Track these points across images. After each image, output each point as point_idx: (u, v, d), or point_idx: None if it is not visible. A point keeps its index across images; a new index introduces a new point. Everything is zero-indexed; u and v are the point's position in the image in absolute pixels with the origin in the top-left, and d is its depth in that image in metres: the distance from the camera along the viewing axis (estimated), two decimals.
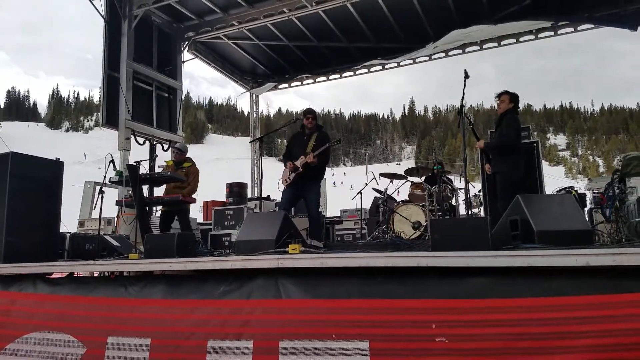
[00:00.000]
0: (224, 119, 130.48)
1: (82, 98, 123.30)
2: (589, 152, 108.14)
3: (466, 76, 4.02)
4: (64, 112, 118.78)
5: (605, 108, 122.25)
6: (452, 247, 2.86)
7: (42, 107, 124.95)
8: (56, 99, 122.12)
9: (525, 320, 2.35)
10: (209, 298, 3.08)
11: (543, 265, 2.53)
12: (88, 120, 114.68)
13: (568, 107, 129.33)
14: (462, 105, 3.96)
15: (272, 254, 3.46)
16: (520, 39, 8.99)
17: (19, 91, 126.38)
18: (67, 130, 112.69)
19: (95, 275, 4.47)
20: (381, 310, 2.58)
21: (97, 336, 3.00)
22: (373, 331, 2.53)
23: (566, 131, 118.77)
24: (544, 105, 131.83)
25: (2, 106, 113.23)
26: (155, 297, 3.21)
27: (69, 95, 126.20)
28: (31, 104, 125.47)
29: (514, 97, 5.15)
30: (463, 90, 3.95)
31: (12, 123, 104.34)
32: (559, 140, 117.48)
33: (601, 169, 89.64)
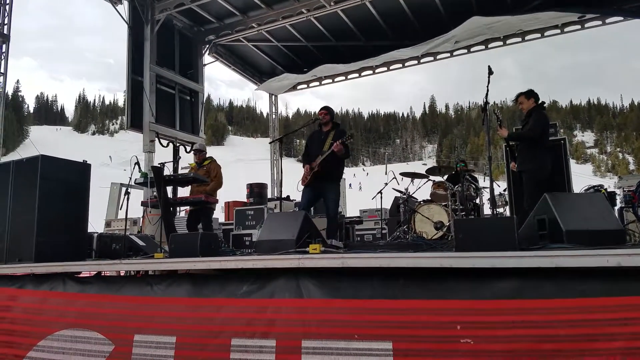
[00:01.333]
0: (244, 121, 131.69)
1: (107, 102, 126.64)
2: (618, 149, 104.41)
3: (490, 72, 3.94)
4: (90, 116, 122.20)
5: (635, 103, 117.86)
6: (476, 247, 2.80)
7: (69, 112, 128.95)
8: (82, 103, 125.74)
9: (553, 322, 2.29)
10: (233, 297, 3.11)
11: (572, 266, 2.45)
12: (113, 124, 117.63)
13: (595, 102, 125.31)
14: (486, 102, 3.87)
15: (293, 253, 3.47)
16: (545, 34, 8.76)
17: (47, 96, 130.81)
18: (93, 134, 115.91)
19: (122, 274, 4.59)
20: (404, 311, 2.55)
21: (125, 334, 3.07)
22: (396, 332, 2.51)
23: (594, 128, 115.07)
24: (570, 101, 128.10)
25: (32, 111, 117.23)
26: (180, 296, 3.26)
27: (94, 100, 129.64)
28: (59, 109, 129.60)
29: (529, 94, 5.05)
30: (487, 86, 3.86)
31: (41, 127, 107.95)
32: (587, 137, 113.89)
33: (631, 167, 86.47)
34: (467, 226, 3.04)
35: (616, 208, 6.05)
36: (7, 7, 6.41)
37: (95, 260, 4.84)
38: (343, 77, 11.03)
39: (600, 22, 8.22)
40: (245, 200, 9.10)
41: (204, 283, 3.50)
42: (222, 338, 2.82)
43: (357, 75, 10.87)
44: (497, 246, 2.75)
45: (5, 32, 6.34)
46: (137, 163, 5.40)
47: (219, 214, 9.37)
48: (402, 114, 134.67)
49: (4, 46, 6.52)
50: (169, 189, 6.35)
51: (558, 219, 2.87)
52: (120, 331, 3.10)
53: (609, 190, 6.21)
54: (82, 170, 5.11)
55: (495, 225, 2.93)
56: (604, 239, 2.72)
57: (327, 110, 5.30)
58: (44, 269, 4.21)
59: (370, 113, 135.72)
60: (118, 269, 4.25)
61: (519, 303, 2.38)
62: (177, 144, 9.13)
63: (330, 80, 11.21)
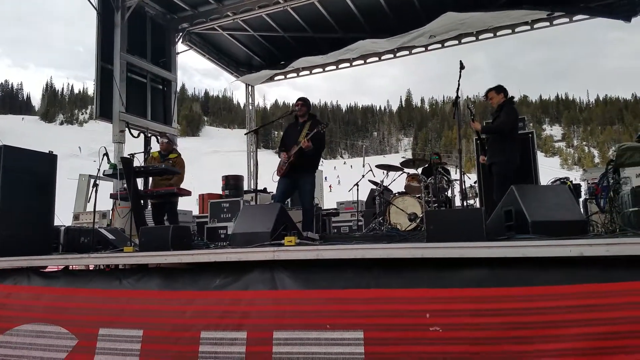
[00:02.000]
0: (220, 112, 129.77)
1: (76, 91, 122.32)
2: (584, 142, 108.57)
3: (461, 67, 4.01)
4: (58, 105, 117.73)
5: (601, 99, 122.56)
6: (447, 238, 2.87)
7: (36, 100, 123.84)
8: (50, 92, 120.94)
9: (518, 310, 2.37)
10: (205, 290, 3.08)
11: (537, 256, 2.55)
12: (82, 114, 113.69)
13: (563, 97, 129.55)
14: (457, 97, 3.95)
15: (268, 246, 3.46)
16: (516, 30, 8.96)
17: (12, 84, 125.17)
18: (61, 124, 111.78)
19: (91, 268, 4.47)
20: (376, 300, 2.59)
21: (89, 328, 3.01)
22: (367, 321, 2.55)
23: (562, 122, 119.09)
24: (540, 96, 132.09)
25: None
26: (150, 289, 3.21)
27: (63, 88, 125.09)
28: (24, 97, 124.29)
29: (499, 89, 5.20)
30: (459, 81, 3.93)
31: (6, 116, 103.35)
32: (555, 131, 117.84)
33: (596, 160, 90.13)
34: (438, 218, 3.11)
35: (581, 200, 6.29)
36: None
37: (61, 255, 4.69)
38: (320, 69, 10.98)
39: (567, 20, 8.47)
40: (220, 192, 8.99)
41: (175, 277, 3.44)
42: (192, 331, 2.80)
43: (334, 67, 10.84)
44: (466, 237, 2.83)
45: None
46: (106, 154, 5.25)
47: (192, 206, 9.25)
48: (380, 107, 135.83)
49: None
50: (140, 181, 6.21)
51: (524, 210, 2.97)
52: (84, 325, 3.04)
53: (574, 182, 6.44)
54: (48, 161, 4.94)
55: (464, 217, 3.01)
56: (568, 230, 2.83)
57: (303, 101, 5.29)
58: (7, 264, 4.06)
59: (348, 106, 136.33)
60: (86, 263, 4.14)
61: (485, 291, 2.45)
62: (149, 135, 8.90)
63: (308, 72, 11.14)
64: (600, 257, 2.45)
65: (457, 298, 2.44)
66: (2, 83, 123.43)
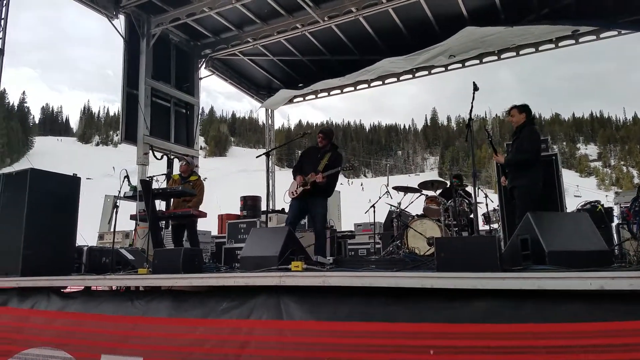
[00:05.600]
0: (246, 132, 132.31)
1: (111, 113, 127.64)
2: (622, 162, 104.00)
3: (475, 88, 3.90)
4: (95, 127, 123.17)
5: (639, 116, 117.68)
6: (459, 267, 2.74)
7: (73, 122, 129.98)
8: (87, 114, 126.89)
9: (533, 348, 2.21)
10: (211, 316, 3.04)
11: (553, 289, 2.38)
12: (117, 135, 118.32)
13: (598, 115, 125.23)
14: (470, 118, 3.83)
15: (275, 271, 3.41)
16: (540, 48, 8.75)
17: (52, 107, 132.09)
18: (97, 145, 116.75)
19: (106, 289, 4.53)
20: (380, 334, 2.48)
21: (92, 353, 3.03)
22: (371, 356, 2.43)
23: (597, 141, 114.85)
24: (573, 114, 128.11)
25: (37, 122, 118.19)
26: (159, 315, 3.20)
27: (99, 111, 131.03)
28: (64, 119, 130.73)
29: (523, 108, 4.97)
30: (472, 103, 3.83)
31: (45, 138, 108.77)
32: (590, 150, 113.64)
33: (636, 180, 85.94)
34: (450, 245, 2.97)
35: (613, 224, 5.95)
36: (2, 21, 6.47)
37: (80, 275, 4.80)
38: (339, 90, 11.05)
39: (594, 37, 8.19)
40: (239, 213, 9.05)
41: (184, 299, 3.44)
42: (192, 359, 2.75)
43: (352, 89, 10.90)
44: (479, 266, 2.69)
45: (0, 46, 6.39)
46: (127, 176, 5.38)
47: (212, 227, 9.32)
48: (404, 126, 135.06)
49: None
50: (162, 203, 6.32)
51: (540, 240, 2.80)
52: (87, 350, 3.06)
53: (605, 206, 6.10)
54: (71, 183, 5.12)
55: (477, 245, 2.86)
56: (589, 261, 2.65)
57: (324, 134, 5.30)
58: (30, 283, 4.18)
59: (371, 125, 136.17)
60: (102, 284, 4.21)
61: (496, 327, 2.30)
62: (172, 157, 9.11)
63: (326, 94, 11.24)
64: (623, 291, 2.27)
65: (464, 334, 2.30)
66: (43, 106, 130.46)
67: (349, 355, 2.46)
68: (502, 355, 2.21)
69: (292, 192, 5.15)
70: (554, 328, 2.22)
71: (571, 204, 6.70)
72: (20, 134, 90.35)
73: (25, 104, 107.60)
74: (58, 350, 3.16)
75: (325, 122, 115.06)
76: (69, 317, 3.44)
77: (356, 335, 2.53)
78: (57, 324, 3.47)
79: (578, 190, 55.65)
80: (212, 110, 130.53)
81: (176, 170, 8.60)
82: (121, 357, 2.89)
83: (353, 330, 2.56)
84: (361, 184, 79.83)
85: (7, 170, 5.29)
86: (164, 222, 6.18)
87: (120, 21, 8.35)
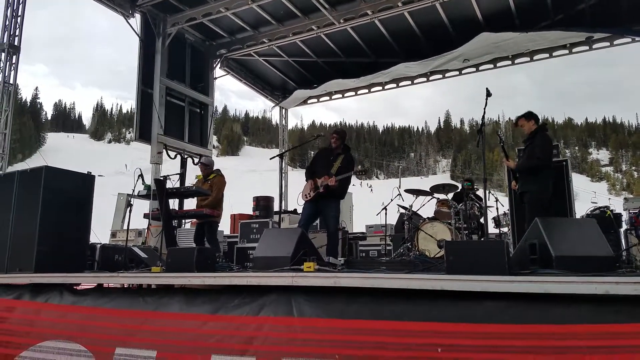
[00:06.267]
0: (259, 132, 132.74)
1: (124, 111, 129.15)
2: (633, 167, 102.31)
3: (488, 94, 3.94)
4: (107, 124, 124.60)
5: None
6: (467, 270, 2.79)
7: (86, 119, 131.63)
8: (100, 111, 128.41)
9: (538, 348, 2.26)
10: (221, 312, 3.13)
11: (560, 293, 2.43)
12: (130, 132, 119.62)
13: (611, 120, 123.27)
14: (482, 124, 3.88)
15: (287, 271, 3.48)
16: (554, 54, 8.73)
17: (64, 104, 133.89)
18: (109, 142, 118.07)
19: (121, 286, 4.63)
20: (389, 332, 2.54)
21: (107, 346, 3.11)
22: (379, 353, 2.50)
23: (609, 146, 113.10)
24: (586, 119, 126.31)
25: (50, 118, 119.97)
26: (170, 310, 3.29)
27: (112, 108, 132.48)
28: (76, 116, 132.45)
29: (529, 116, 5.04)
30: (484, 109, 3.87)
31: (58, 134, 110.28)
32: (602, 155, 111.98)
33: None
34: (459, 249, 3.03)
35: (622, 230, 5.93)
36: (19, 19, 6.62)
37: (93, 273, 4.88)
38: (353, 92, 11.12)
39: (608, 44, 8.16)
40: (251, 212, 9.15)
41: (195, 296, 3.52)
42: (203, 354, 2.84)
43: (366, 91, 10.95)
44: (487, 269, 2.74)
45: (16, 43, 6.54)
46: (141, 175, 5.48)
47: (225, 226, 9.44)
48: (417, 128, 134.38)
49: (14, 57, 6.71)
50: (176, 201, 6.43)
51: (548, 244, 2.85)
52: (102, 344, 3.15)
53: (614, 211, 6.08)
54: (85, 181, 5.14)
55: (486, 249, 2.91)
56: (594, 266, 2.68)
57: (338, 134, 5.34)
58: (43, 279, 4.25)
59: (385, 126, 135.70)
60: (115, 282, 4.28)
61: (503, 327, 2.35)
62: (185, 156, 9.24)
63: (340, 96, 11.31)
64: (628, 295, 2.31)
65: (472, 333, 2.35)
66: (56, 103, 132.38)
67: (357, 352, 2.53)
68: (508, 354, 2.26)
69: (306, 195, 5.22)
70: (560, 329, 2.27)
71: (583, 210, 6.65)
72: (33, 130, 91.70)
73: (37, 100, 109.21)
74: (72, 343, 3.25)
75: (338, 123, 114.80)
76: (83, 311, 3.54)
77: (365, 332, 2.59)
78: (71, 317, 3.57)
79: (595, 196, 55.35)
80: (225, 109, 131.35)
81: (193, 170, 8.75)
82: (135, 350, 2.98)
83: (362, 327, 2.63)
84: (369, 186, 79.50)
85: (20, 166, 5.41)
86: (176, 221, 6.28)
87: (137, 20, 8.47)
